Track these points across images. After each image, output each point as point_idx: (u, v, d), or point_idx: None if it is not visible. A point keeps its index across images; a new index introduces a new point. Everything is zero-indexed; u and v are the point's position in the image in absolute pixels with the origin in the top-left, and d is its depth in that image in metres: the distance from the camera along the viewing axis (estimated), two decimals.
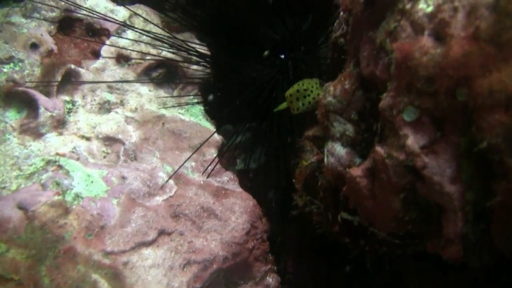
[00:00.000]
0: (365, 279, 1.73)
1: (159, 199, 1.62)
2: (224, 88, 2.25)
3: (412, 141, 0.92)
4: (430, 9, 0.89)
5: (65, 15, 1.98)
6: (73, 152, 1.68)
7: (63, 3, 1.94)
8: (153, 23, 2.09)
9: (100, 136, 1.77)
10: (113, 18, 2.02)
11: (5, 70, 1.74)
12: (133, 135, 1.81)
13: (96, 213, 1.47)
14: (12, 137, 1.70)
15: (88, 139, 1.76)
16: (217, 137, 1.94)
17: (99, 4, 2.05)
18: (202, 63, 2.17)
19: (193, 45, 2.16)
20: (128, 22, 2.06)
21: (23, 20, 1.90)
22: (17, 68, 1.75)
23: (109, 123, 1.82)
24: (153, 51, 2.06)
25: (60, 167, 1.57)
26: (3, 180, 1.59)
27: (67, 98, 1.83)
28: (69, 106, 1.82)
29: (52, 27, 1.93)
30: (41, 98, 1.72)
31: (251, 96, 2.16)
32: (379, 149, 1.01)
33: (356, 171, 1.10)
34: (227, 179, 1.82)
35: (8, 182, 1.59)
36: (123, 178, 1.60)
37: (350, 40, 1.21)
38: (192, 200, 1.66)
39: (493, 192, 0.85)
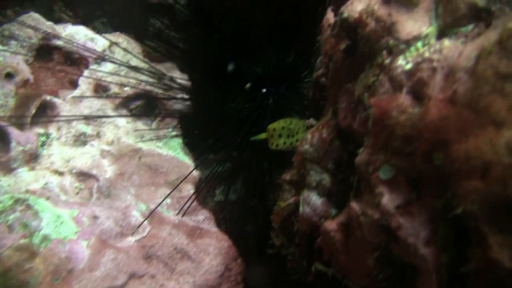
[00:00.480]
0: None
1: (131, 240, 1.58)
2: (205, 120, 2.23)
3: (387, 200, 0.90)
4: (409, 66, 0.87)
5: (44, 43, 1.94)
6: (44, 188, 1.64)
7: (42, 30, 1.91)
8: (132, 54, 2.06)
9: (74, 171, 1.73)
10: (92, 47, 1.99)
11: None
12: (108, 170, 1.77)
13: (64, 256, 1.43)
14: None
15: (61, 174, 1.72)
16: (194, 172, 1.91)
17: (79, 32, 2.02)
18: (182, 95, 2.15)
19: (174, 76, 2.13)
20: (108, 51, 2.03)
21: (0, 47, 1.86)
22: None
23: (84, 157, 1.78)
24: (132, 81, 2.03)
25: (29, 207, 1.52)
26: None
27: (41, 130, 1.79)
28: (43, 138, 1.78)
29: (30, 55, 1.89)
30: (13, 132, 1.68)
31: (232, 128, 2.14)
32: (354, 205, 0.98)
33: (331, 225, 1.07)
34: (202, 217, 1.78)
35: None
36: (95, 217, 1.56)
37: (329, 86, 1.19)
38: (165, 240, 1.62)
39: (468, 258, 0.83)
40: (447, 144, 0.79)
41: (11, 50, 1.86)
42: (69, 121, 1.85)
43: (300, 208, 1.23)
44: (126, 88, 2.01)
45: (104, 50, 2.01)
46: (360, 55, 1.03)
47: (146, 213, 1.68)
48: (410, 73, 0.87)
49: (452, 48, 0.83)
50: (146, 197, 1.74)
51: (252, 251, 2.09)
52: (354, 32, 1.02)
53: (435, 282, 0.91)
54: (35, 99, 1.77)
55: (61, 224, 1.51)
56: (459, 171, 0.78)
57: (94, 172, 1.75)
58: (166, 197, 1.73)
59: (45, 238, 1.45)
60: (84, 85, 1.95)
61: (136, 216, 1.63)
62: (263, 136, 1.52)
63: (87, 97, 1.94)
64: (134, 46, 2.13)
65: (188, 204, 1.78)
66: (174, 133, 2.07)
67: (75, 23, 2.08)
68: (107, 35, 2.08)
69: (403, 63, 0.88)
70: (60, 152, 1.77)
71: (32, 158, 1.71)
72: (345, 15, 1.02)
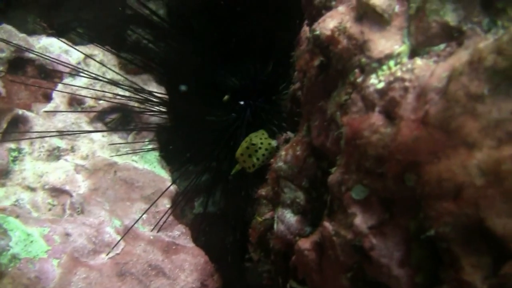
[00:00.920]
0: None
1: (104, 257, 1.55)
2: (183, 132, 2.21)
3: (360, 220, 0.89)
4: (381, 85, 0.86)
5: (16, 55, 1.91)
6: (15, 205, 1.60)
7: (14, 43, 1.87)
8: (107, 67, 2.03)
9: (47, 186, 1.70)
10: (67, 60, 1.96)
11: None
12: (82, 185, 1.74)
13: (33, 276, 1.39)
14: None
15: (33, 190, 1.68)
16: (171, 187, 1.88)
17: (53, 44, 1.99)
18: (159, 108, 2.12)
19: (151, 89, 2.11)
20: (83, 63, 2.00)
21: None
22: None
23: (57, 172, 1.74)
24: (108, 94, 2.00)
25: None
26: None
27: (12, 146, 1.75)
28: (15, 154, 1.74)
29: (1, 68, 1.86)
30: None
31: (210, 140, 2.13)
32: (327, 224, 0.97)
33: (305, 244, 1.06)
34: (178, 233, 1.75)
35: None
36: (67, 235, 1.52)
37: (304, 103, 1.18)
38: (140, 257, 1.59)
39: (441, 280, 0.82)
40: (419, 165, 0.78)
41: None
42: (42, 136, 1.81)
43: (275, 226, 1.21)
44: (101, 101, 1.98)
45: (78, 63, 1.98)
46: (333, 72, 1.02)
47: (121, 229, 1.65)
48: (382, 92, 0.86)
49: (424, 68, 0.82)
50: (121, 213, 1.71)
51: (231, 264, 2.07)
52: (327, 49, 1.01)
53: None
54: (6, 114, 1.73)
55: (31, 243, 1.47)
56: (431, 192, 0.77)
57: (67, 187, 1.71)
58: (143, 214, 1.70)
59: (14, 257, 1.42)
60: (58, 98, 1.92)
61: (110, 232, 1.60)
62: (238, 167, 1.52)
63: (61, 111, 1.90)
64: (110, 58, 2.10)
65: (164, 219, 1.75)
66: (150, 146, 2.04)
67: (49, 35, 2.05)
68: (82, 47, 2.05)
69: (376, 81, 0.87)
70: (32, 167, 1.73)
71: (3, 175, 1.67)
72: (317, 32, 1.00)
